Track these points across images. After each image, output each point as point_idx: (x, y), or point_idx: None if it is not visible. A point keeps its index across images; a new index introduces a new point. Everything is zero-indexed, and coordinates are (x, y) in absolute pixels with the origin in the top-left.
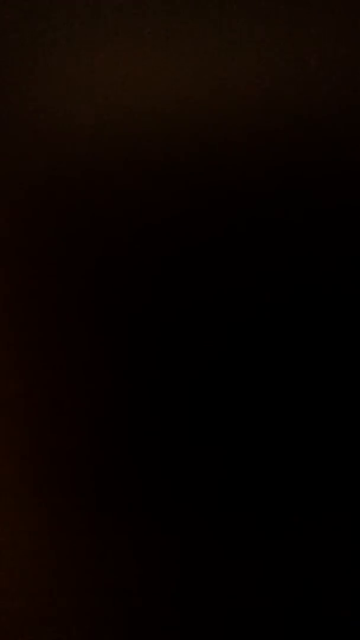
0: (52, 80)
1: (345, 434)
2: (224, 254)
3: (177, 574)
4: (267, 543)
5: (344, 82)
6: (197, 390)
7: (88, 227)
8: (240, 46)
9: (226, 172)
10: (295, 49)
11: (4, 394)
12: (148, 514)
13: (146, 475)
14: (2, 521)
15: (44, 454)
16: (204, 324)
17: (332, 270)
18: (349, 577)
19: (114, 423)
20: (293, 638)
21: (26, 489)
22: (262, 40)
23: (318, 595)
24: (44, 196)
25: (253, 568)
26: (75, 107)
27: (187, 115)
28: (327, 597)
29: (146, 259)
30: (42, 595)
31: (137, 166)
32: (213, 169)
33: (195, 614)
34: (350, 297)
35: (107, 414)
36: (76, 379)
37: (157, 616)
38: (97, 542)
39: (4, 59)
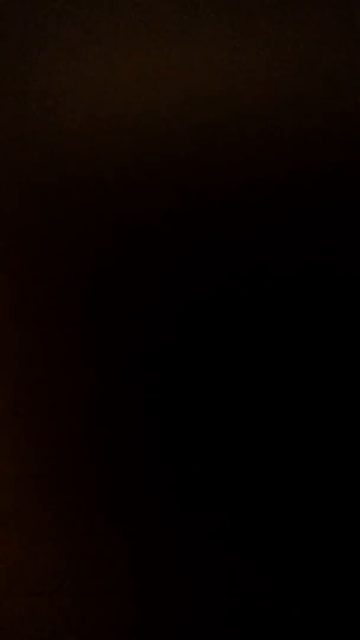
0: (52, 80)
1: (345, 433)
2: (224, 254)
3: (177, 574)
4: (267, 543)
5: (344, 82)
6: (197, 392)
7: (88, 228)
8: (241, 46)
9: (226, 173)
10: (296, 49)
11: (4, 396)
12: (148, 515)
13: (147, 477)
14: (2, 522)
15: (45, 456)
16: (204, 323)
17: (333, 271)
18: (349, 578)
19: (115, 422)
20: (293, 637)
21: (27, 490)
22: (263, 40)
23: (318, 594)
24: (43, 198)
25: (253, 568)
26: (75, 106)
27: (187, 116)
28: (327, 596)
29: (147, 259)
30: (43, 595)
31: (137, 166)
32: (213, 169)
33: (196, 614)
34: (350, 298)
35: (108, 415)
36: (78, 381)
37: (157, 616)
38: (97, 543)
39: (4, 58)
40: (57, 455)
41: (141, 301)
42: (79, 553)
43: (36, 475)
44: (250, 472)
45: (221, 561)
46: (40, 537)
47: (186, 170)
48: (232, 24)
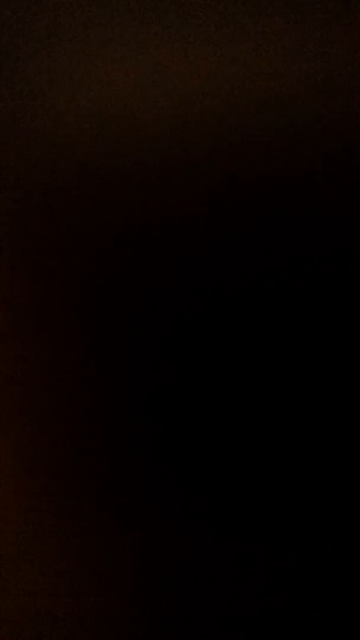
0: (53, 80)
1: (345, 434)
2: (224, 255)
3: (180, 575)
4: (268, 540)
5: (344, 82)
6: (197, 393)
7: (89, 229)
8: (240, 46)
9: (226, 173)
10: (296, 49)
11: (4, 396)
12: (150, 515)
13: (148, 477)
14: (3, 521)
15: (45, 454)
16: (204, 326)
17: (333, 274)
18: (349, 575)
19: (115, 420)
20: (293, 637)
21: (28, 489)
22: (263, 41)
23: (319, 594)
24: (43, 199)
25: (254, 567)
26: (76, 107)
27: (188, 116)
28: (327, 595)
29: (146, 261)
30: (43, 595)
31: (138, 167)
32: (213, 169)
33: (197, 614)
34: (350, 301)
35: (108, 412)
36: (78, 380)
37: (158, 616)
38: (98, 542)
39: (4, 58)
40: (58, 453)
41: (142, 301)
42: (80, 553)
43: (36, 472)
44: (252, 469)
45: (224, 561)
46: (40, 536)
47: (187, 170)
48: (235, 24)
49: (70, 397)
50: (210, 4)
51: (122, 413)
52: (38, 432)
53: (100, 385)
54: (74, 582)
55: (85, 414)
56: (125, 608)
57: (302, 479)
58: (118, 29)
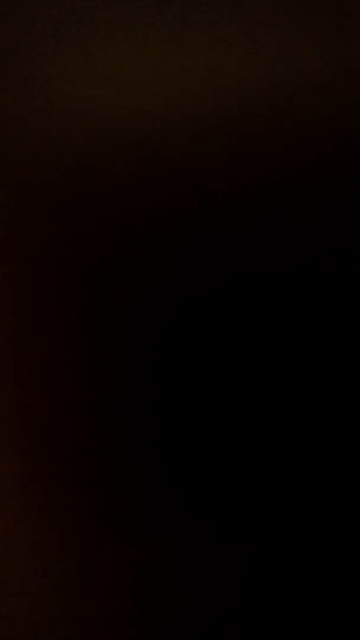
0: (53, 79)
1: (345, 433)
2: (224, 254)
3: (177, 575)
4: (266, 543)
5: (343, 82)
6: (197, 392)
7: (89, 228)
8: (240, 47)
9: (226, 172)
10: (296, 49)
11: (4, 397)
12: (150, 517)
13: (147, 478)
14: (3, 523)
15: (45, 456)
16: (204, 324)
17: (332, 272)
18: (349, 579)
19: (114, 422)
20: (293, 637)
21: (27, 491)
22: (263, 41)
23: (317, 596)
24: (44, 197)
25: (253, 571)
26: (76, 106)
27: (188, 115)
28: (326, 597)
29: (147, 259)
30: (43, 595)
31: (137, 166)
32: (213, 168)
33: (195, 615)
34: (351, 298)
35: (107, 413)
36: (77, 381)
37: (157, 617)
38: (97, 543)
39: (5, 58)
40: (58, 456)
41: (142, 302)
42: (79, 553)
43: (36, 475)
44: (251, 473)
45: (223, 563)
46: (39, 536)
47: (186, 171)
48: (234, 24)
49: (71, 399)
50: (211, 3)
51: (124, 415)
52: (37, 434)
53: (98, 386)
54: (73, 585)
55: (85, 418)
56: (124, 609)
57: (301, 480)
58: (119, 28)
